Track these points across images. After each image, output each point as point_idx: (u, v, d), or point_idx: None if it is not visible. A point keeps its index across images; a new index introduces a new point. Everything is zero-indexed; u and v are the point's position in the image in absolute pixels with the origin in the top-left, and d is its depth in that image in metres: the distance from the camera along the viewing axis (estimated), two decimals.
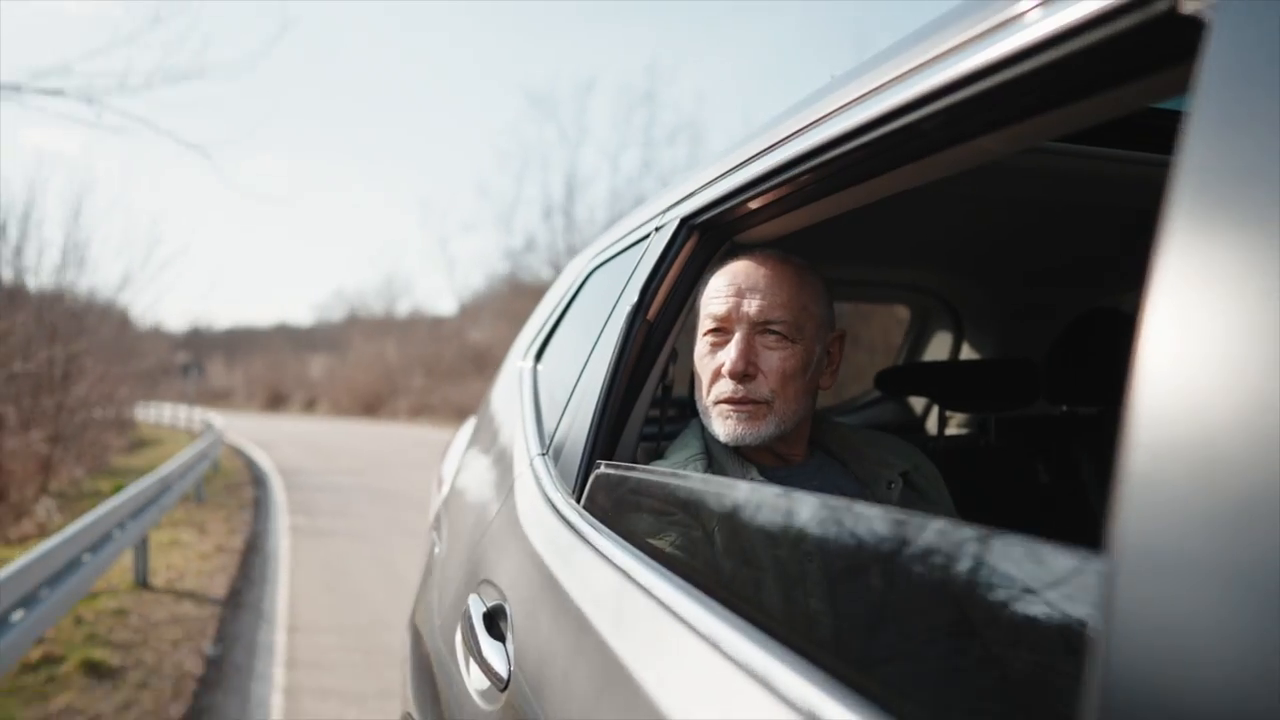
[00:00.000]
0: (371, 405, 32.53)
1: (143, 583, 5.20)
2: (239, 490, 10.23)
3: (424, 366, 31.50)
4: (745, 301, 1.16)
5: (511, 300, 25.04)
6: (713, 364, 1.18)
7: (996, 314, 2.59)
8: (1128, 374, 0.40)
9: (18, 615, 2.92)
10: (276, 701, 3.47)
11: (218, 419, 16.77)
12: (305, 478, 11.92)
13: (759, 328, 1.15)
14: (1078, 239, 2.00)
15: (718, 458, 1.21)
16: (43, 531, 6.03)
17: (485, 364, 25.27)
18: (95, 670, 3.65)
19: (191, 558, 6.08)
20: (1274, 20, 0.40)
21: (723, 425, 1.16)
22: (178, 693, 3.53)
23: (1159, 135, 1.22)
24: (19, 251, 10.32)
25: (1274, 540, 0.32)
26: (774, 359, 1.14)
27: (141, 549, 5.26)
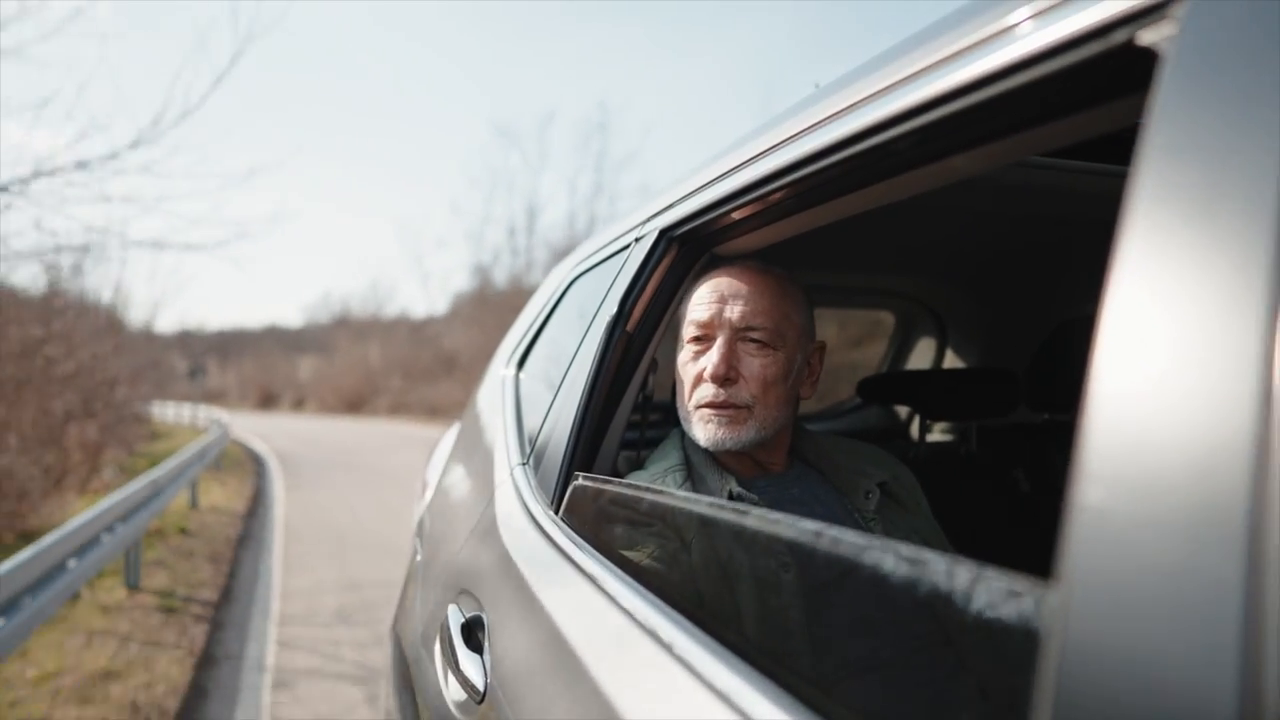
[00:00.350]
0: (354, 404, 35.71)
1: (193, 506, 8.73)
2: (244, 464, 13.69)
3: (402, 368, 34.88)
4: (728, 308, 1.17)
5: (479, 309, 29.24)
6: (695, 369, 1.19)
7: (981, 322, 2.60)
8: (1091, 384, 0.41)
9: (138, 516, 5.56)
10: (277, 550, 6.92)
11: (224, 415, 19.61)
12: (295, 458, 15.06)
13: (741, 334, 1.17)
14: (1059, 249, 2.02)
15: (697, 467, 1.21)
16: (108, 487, 8.93)
17: (454, 367, 29.37)
18: (183, 533, 7.24)
19: (219, 496, 9.75)
20: (1223, 56, 0.41)
21: (703, 429, 1.17)
22: (226, 542, 7.21)
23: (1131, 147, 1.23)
24: (79, 271, 12.19)
25: (1223, 551, 0.33)
26: (755, 365, 1.16)
27: (193, 489, 8.80)
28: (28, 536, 6.15)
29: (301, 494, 10.28)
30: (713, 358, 1.16)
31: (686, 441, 1.25)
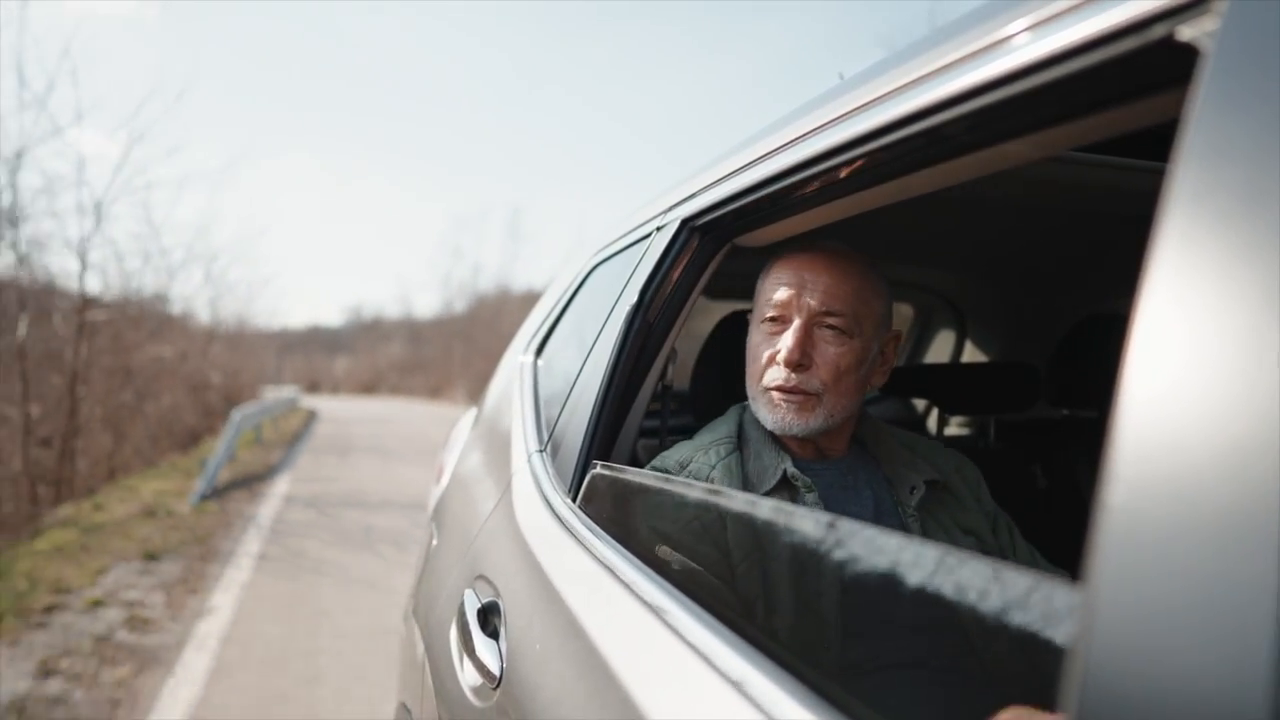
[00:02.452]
0: (369, 387, 52.98)
1: (258, 439, 14.31)
2: (302, 413, 24.25)
3: (400, 364, 50.75)
4: (807, 292, 1.15)
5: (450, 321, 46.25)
6: (768, 350, 1.17)
7: (1001, 315, 2.58)
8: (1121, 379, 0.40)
9: (263, 414, 14.84)
10: (320, 434, 17.25)
11: (292, 390, 29.97)
12: (329, 412, 26.56)
13: (818, 319, 1.14)
14: (1085, 244, 1.99)
15: (753, 443, 1.20)
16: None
17: (428, 365, 45.49)
18: (260, 440, 14.24)
19: (293, 422, 19.67)
20: (1268, 53, 0.40)
21: (771, 413, 1.16)
22: (294, 434, 16.71)
23: (1164, 144, 1.22)
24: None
25: (1254, 556, 0.32)
26: (830, 352, 1.13)
27: (272, 423, 16.70)
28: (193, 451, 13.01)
29: (332, 426, 19.63)
30: (787, 341, 1.13)
31: (746, 417, 1.23)
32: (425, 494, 2.55)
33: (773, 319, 1.17)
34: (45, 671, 3.56)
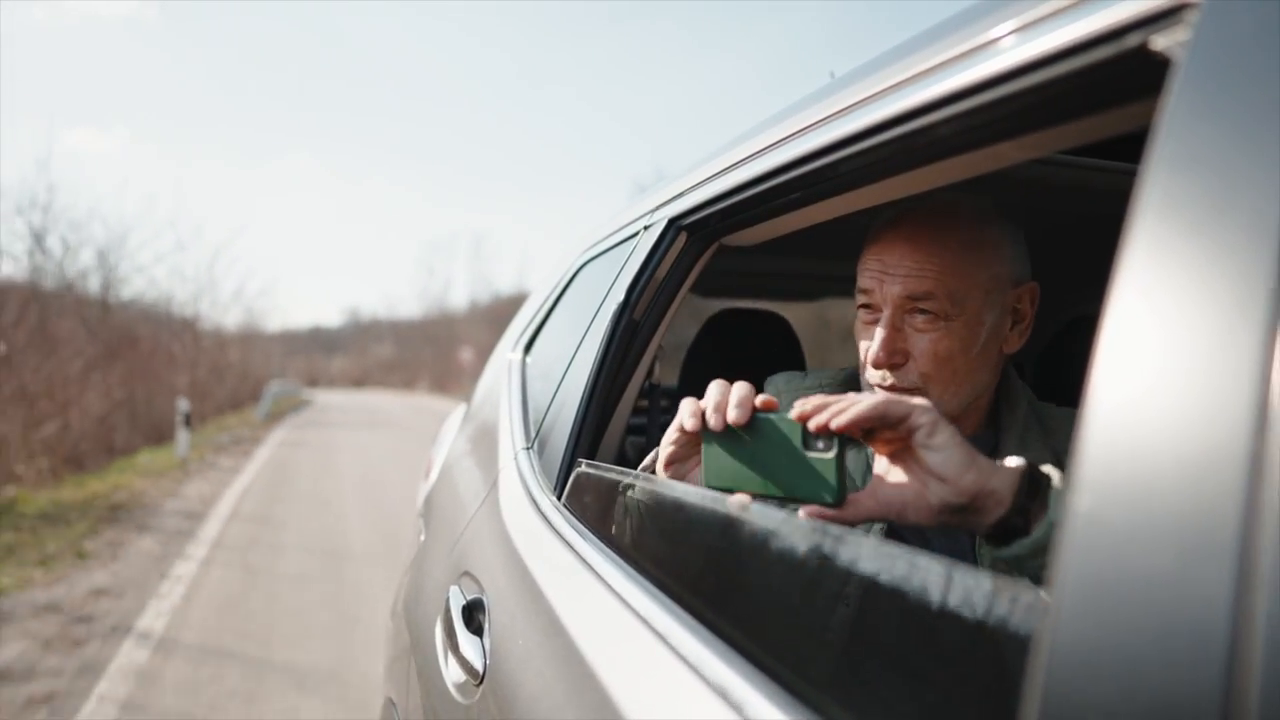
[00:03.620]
0: (359, 381, 63.45)
1: (265, 418, 21.40)
2: (300, 399, 33.13)
3: (385, 362, 63.28)
4: (890, 279, 1.02)
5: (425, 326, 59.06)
6: (863, 344, 1.06)
7: None
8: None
9: (275, 394, 25.28)
10: (317, 407, 29.01)
11: (294, 384, 39.41)
12: (323, 399, 35.37)
13: (907, 306, 1.01)
14: (1073, 245, 2.00)
15: None
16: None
17: (406, 364, 57.13)
18: (278, 413, 23.65)
19: (293, 401, 30.49)
20: (1237, 64, 0.41)
21: None
22: (294, 405, 28.47)
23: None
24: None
25: (1213, 561, 0.33)
26: (924, 341, 1.01)
27: (276, 401, 25.19)
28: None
29: (329, 397, 34.58)
30: (876, 340, 1.02)
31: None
32: (356, 417, 20.68)
33: (864, 306, 1.06)
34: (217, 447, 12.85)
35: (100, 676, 3.55)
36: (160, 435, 13.23)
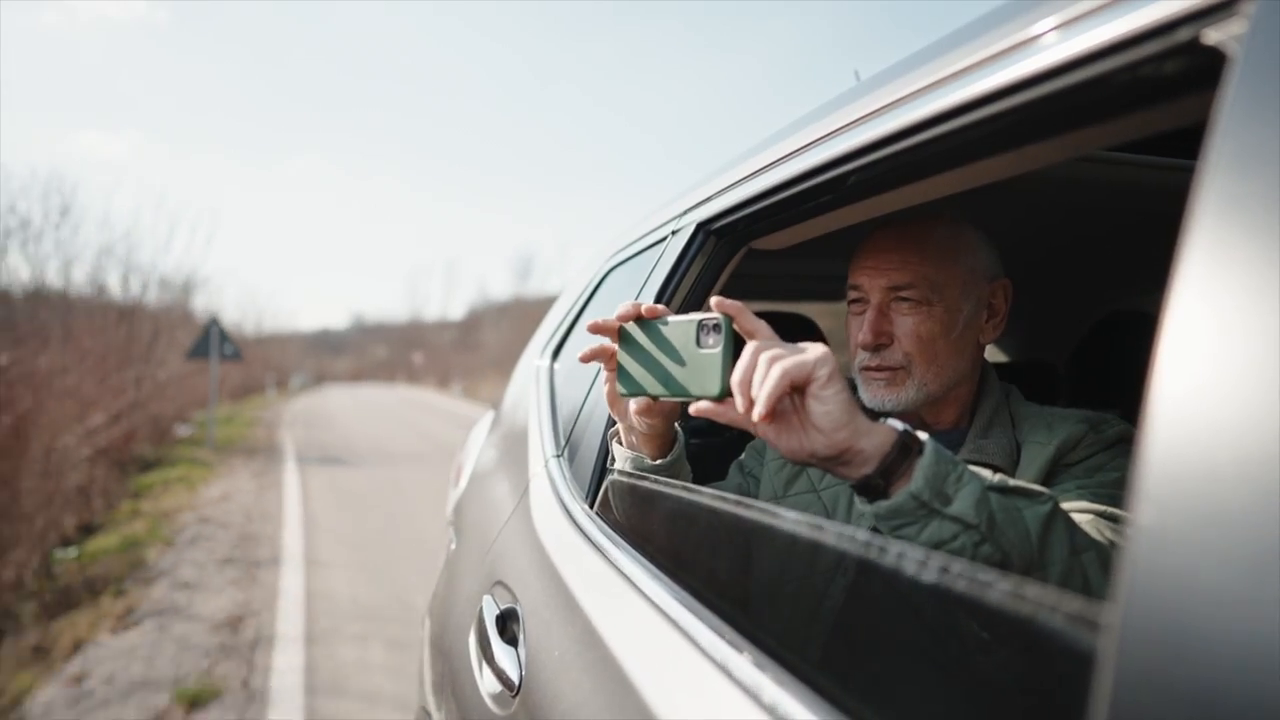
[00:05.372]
0: (356, 377, 73.50)
1: (300, 388, 44.04)
2: (313, 388, 51.58)
3: (380, 362, 76.21)
4: (877, 273, 1.13)
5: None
6: (853, 334, 1.17)
7: (1020, 313, 2.55)
8: (1147, 376, 0.40)
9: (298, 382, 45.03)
10: (324, 390, 48.63)
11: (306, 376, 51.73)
12: (330, 389, 49.96)
13: (891, 294, 1.13)
14: (1106, 241, 1.97)
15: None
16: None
17: (395, 363, 70.25)
18: (301, 390, 42.84)
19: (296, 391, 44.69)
20: None
21: (866, 391, 1.15)
22: (304, 390, 44.82)
23: (1188, 140, 1.20)
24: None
25: None
26: (908, 324, 1.12)
27: (303, 386, 46.72)
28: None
29: (333, 389, 48.47)
30: (864, 323, 1.13)
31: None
32: (350, 393, 42.22)
33: (854, 301, 1.17)
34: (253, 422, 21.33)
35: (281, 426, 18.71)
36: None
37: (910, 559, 0.55)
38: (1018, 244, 2.10)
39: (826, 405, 0.77)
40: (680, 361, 0.87)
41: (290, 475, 10.24)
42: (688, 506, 0.93)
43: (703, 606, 0.79)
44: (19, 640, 4.38)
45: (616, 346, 0.95)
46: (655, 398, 0.91)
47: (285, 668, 3.86)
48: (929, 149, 0.79)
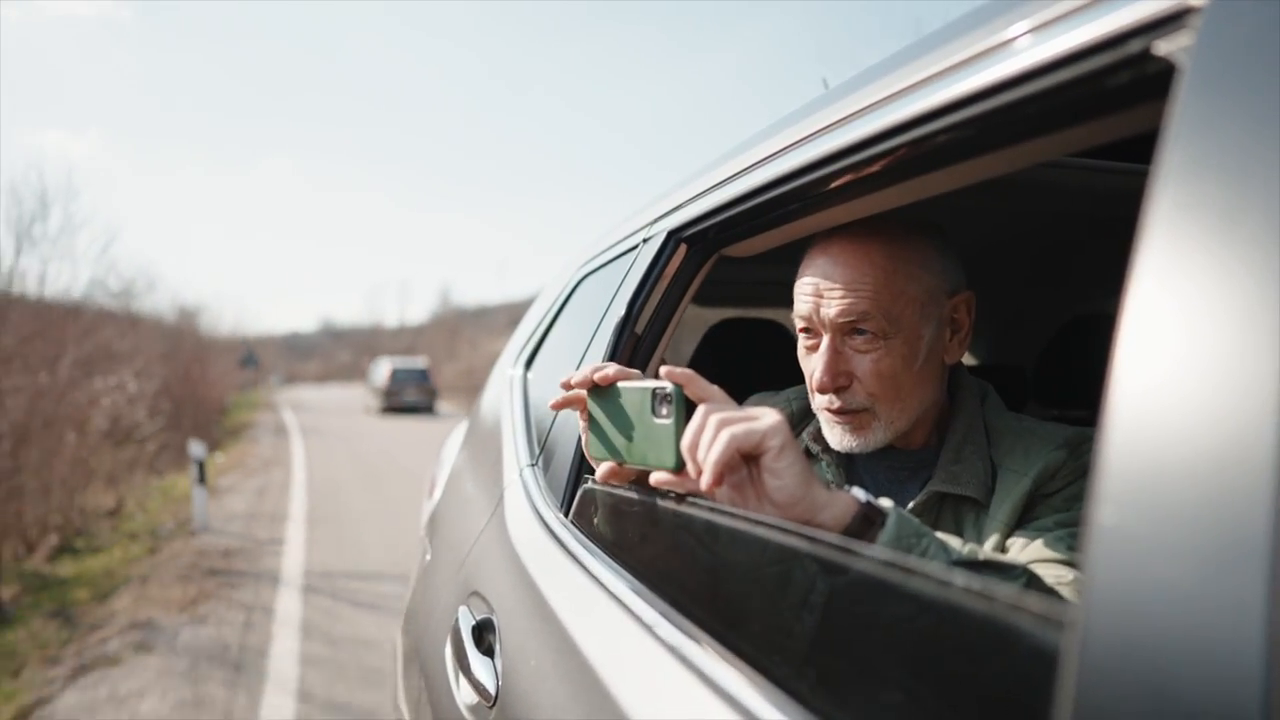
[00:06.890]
0: (322, 379, 76.63)
1: (278, 385, 55.26)
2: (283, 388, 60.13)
3: (344, 365, 78.73)
4: (824, 302, 1.03)
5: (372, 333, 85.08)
6: (808, 369, 1.09)
7: (988, 317, 2.59)
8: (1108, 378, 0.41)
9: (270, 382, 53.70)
10: (295, 389, 58.29)
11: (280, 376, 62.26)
12: (300, 389, 57.55)
13: (844, 329, 1.03)
14: (1069, 245, 2.01)
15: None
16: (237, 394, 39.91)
17: (357, 367, 69.73)
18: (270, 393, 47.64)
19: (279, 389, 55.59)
20: (1242, 67, 0.41)
21: (831, 434, 1.08)
22: (280, 389, 54.98)
23: (1146, 146, 1.22)
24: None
25: (1244, 576, 0.32)
26: (866, 362, 1.03)
27: (279, 384, 59.84)
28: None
29: (306, 389, 55.91)
30: (818, 365, 1.04)
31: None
32: (316, 391, 52.80)
33: (804, 330, 1.08)
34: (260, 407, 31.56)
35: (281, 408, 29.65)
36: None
37: (890, 565, 0.56)
38: (984, 250, 2.14)
39: (780, 479, 0.75)
40: (637, 431, 0.86)
41: (289, 415, 23.35)
42: (663, 514, 0.94)
43: (679, 614, 0.79)
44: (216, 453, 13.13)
45: (588, 399, 0.94)
46: (621, 464, 0.91)
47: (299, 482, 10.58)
48: (894, 155, 0.80)
